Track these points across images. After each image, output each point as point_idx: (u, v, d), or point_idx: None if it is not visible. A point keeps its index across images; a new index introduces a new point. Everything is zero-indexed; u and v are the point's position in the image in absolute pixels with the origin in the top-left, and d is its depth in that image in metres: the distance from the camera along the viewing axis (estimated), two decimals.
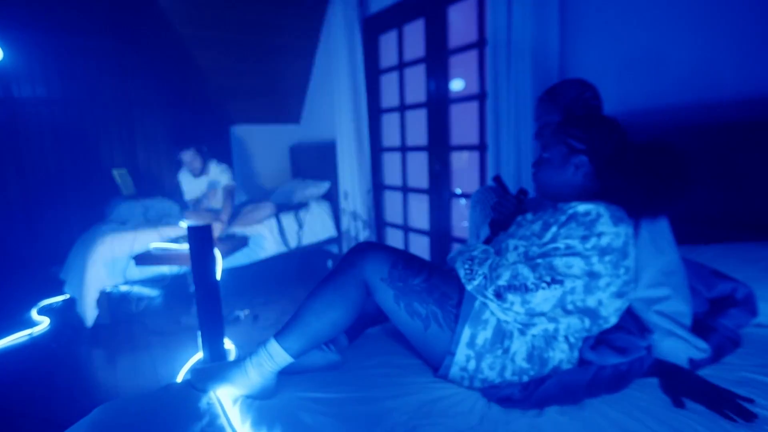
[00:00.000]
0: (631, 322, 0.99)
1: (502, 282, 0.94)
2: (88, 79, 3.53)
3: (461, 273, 1.00)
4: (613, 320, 0.97)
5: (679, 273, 1.01)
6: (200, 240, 2.12)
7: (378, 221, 3.29)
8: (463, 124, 2.61)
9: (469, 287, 0.98)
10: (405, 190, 3.09)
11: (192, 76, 3.60)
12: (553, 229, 0.99)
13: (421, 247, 3.02)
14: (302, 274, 3.67)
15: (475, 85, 2.43)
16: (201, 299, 2.13)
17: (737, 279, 1.10)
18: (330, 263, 3.69)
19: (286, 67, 3.76)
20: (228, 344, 2.37)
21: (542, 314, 0.94)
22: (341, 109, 3.10)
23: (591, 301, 0.94)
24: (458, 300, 0.98)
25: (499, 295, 0.94)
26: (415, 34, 2.79)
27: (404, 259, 1.03)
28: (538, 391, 0.90)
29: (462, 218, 2.92)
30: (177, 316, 2.73)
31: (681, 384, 0.90)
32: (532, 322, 0.94)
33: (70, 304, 2.83)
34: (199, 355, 2.19)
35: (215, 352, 2.16)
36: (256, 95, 3.89)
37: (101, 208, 3.27)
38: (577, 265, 0.92)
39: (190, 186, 3.17)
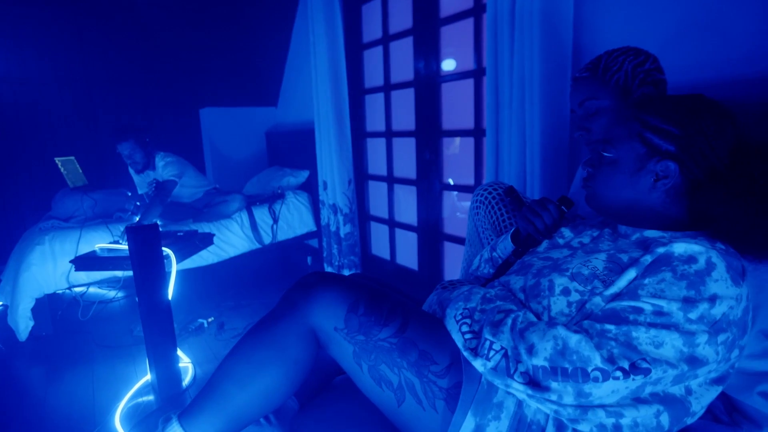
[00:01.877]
0: (717, 403, 0.67)
1: (538, 361, 0.60)
2: (39, 55, 3.11)
3: (459, 341, 0.67)
4: (700, 413, 0.65)
5: None
6: (144, 243, 1.78)
7: (361, 215, 2.96)
8: (456, 106, 2.27)
9: (482, 370, 0.64)
10: (391, 180, 2.75)
11: (156, 54, 3.21)
12: (631, 273, 0.66)
13: (408, 245, 2.70)
14: (278, 273, 3.35)
15: (470, 60, 2.09)
16: (146, 313, 1.80)
17: None
18: (310, 260, 3.37)
19: (260, 43, 3.38)
20: (184, 361, 2.05)
21: (601, 406, 0.61)
22: (319, 90, 2.74)
23: (677, 389, 0.62)
24: (447, 366, 0.66)
25: (535, 384, 0.60)
26: (401, 2, 2.43)
27: (367, 299, 0.71)
28: None
29: (455, 211, 2.61)
30: (130, 326, 2.40)
31: None
32: (584, 417, 0.61)
33: (3, 315, 2.49)
34: (147, 378, 1.88)
35: (166, 374, 1.84)
36: (228, 75, 3.52)
37: (49, 203, 2.90)
38: (672, 344, 0.58)
39: (138, 180, 2.81)
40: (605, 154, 0.75)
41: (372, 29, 2.70)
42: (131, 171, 2.72)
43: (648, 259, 0.65)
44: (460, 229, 2.43)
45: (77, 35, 3.22)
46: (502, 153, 1.77)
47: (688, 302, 0.59)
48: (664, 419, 0.62)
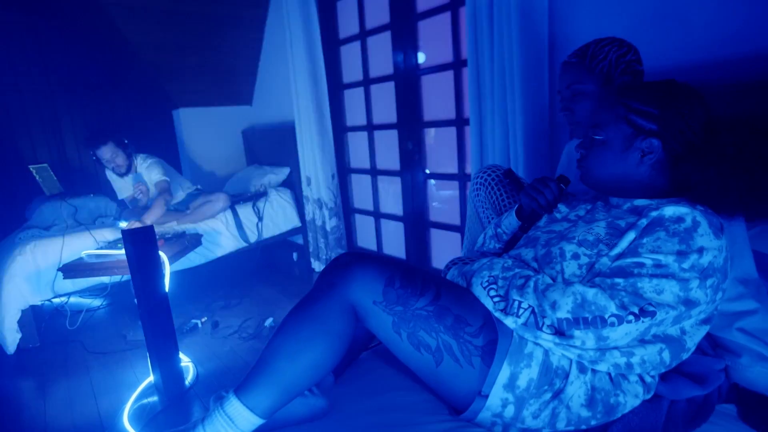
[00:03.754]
0: (704, 341, 0.79)
1: (562, 314, 0.70)
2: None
3: (488, 304, 0.76)
4: (693, 349, 0.76)
5: (754, 279, 0.81)
6: (141, 245, 1.77)
7: (345, 208, 3.02)
8: (436, 97, 2.36)
9: (513, 326, 0.74)
10: (374, 172, 2.82)
11: (124, 55, 3.13)
12: (630, 235, 0.76)
13: (395, 235, 2.78)
14: (265, 270, 3.36)
15: (449, 53, 2.17)
16: (146, 315, 1.80)
17: None
18: (295, 256, 3.39)
19: (232, 41, 3.35)
20: (184, 361, 2.06)
21: (616, 348, 0.71)
22: (298, 87, 2.77)
23: (673, 330, 0.73)
24: (480, 327, 0.74)
25: (560, 333, 0.70)
26: None
27: (402, 273, 0.78)
28: None
29: (439, 200, 2.70)
30: (122, 331, 2.37)
31: None
32: (602, 358, 0.71)
33: None
34: (150, 379, 1.88)
35: (169, 374, 1.85)
36: (200, 74, 3.46)
37: (21, 212, 2.80)
38: (671, 290, 0.69)
39: (121, 183, 2.76)
40: (596, 137, 0.85)
41: (348, 25, 2.75)
42: (110, 176, 2.66)
43: (644, 222, 0.76)
44: (443, 216, 2.53)
45: (38, 36, 3.10)
46: (486, 140, 1.87)
47: (681, 254, 0.70)
48: (666, 355, 0.72)
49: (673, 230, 0.72)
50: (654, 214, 0.75)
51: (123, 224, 2.54)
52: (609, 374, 0.73)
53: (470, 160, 1.97)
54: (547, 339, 0.71)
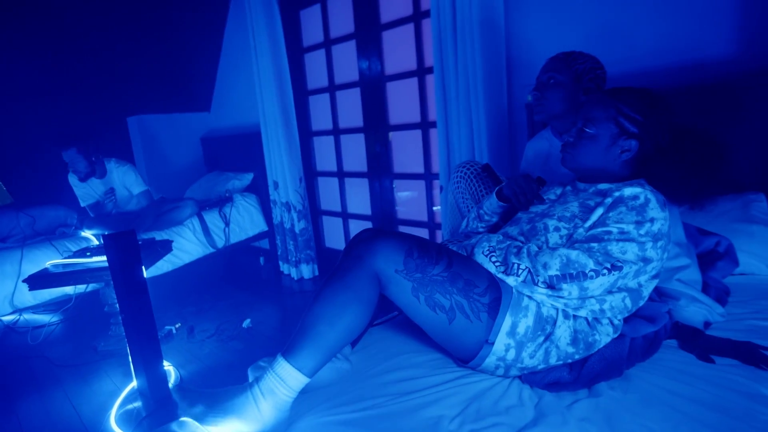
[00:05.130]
0: (653, 292, 0.99)
1: (552, 272, 0.87)
2: None
3: (491, 268, 0.92)
4: (647, 297, 0.96)
5: (685, 242, 1.03)
6: (123, 250, 1.77)
7: (313, 210, 3.10)
8: (401, 103, 2.52)
9: (514, 284, 0.90)
10: (341, 174, 2.93)
11: (73, 58, 3.02)
12: (599, 211, 0.94)
13: None
14: (233, 274, 3.35)
15: (413, 61, 2.34)
16: (129, 319, 1.79)
17: (717, 233, 1.17)
18: (262, 260, 3.42)
19: (190, 48, 3.33)
20: (165, 365, 2.05)
21: (592, 297, 0.90)
22: (264, 93, 2.82)
23: (632, 283, 0.92)
24: (485, 287, 0.89)
25: (551, 286, 0.87)
26: (341, 9, 2.62)
27: (418, 245, 0.91)
28: (584, 370, 0.86)
29: (406, 199, 2.85)
30: (91, 343, 2.30)
31: (702, 343, 0.92)
32: (582, 305, 0.90)
33: None
34: (133, 384, 1.86)
35: (155, 378, 1.85)
36: (156, 81, 3.41)
37: None
38: (632, 250, 0.88)
39: (85, 190, 2.68)
40: (587, 130, 1.02)
41: (313, 33, 2.85)
42: (73, 182, 2.58)
43: (609, 201, 0.95)
44: (410, 213, 2.69)
45: None
46: (453, 141, 2.05)
47: (638, 223, 0.90)
48: (628, 302, 0.92)
49: (631, 205, 0.92)
50: (617, 194, 0.95)
51: (86, 233, 2.47)
52: (587, 319, 0.91)
53: (438, 160, 2.14)
54: (541, 293, 0.88)
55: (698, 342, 0.94)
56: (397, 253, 0.88)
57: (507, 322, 0.87)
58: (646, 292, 0.94)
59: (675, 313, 1.00)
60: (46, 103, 3.20)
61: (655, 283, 0.95)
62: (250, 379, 0.88)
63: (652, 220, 0.90)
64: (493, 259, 0.93)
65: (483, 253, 0.95)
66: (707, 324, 1.00)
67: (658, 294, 1.01)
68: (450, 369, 0.94)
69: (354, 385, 0.90)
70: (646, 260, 0.89)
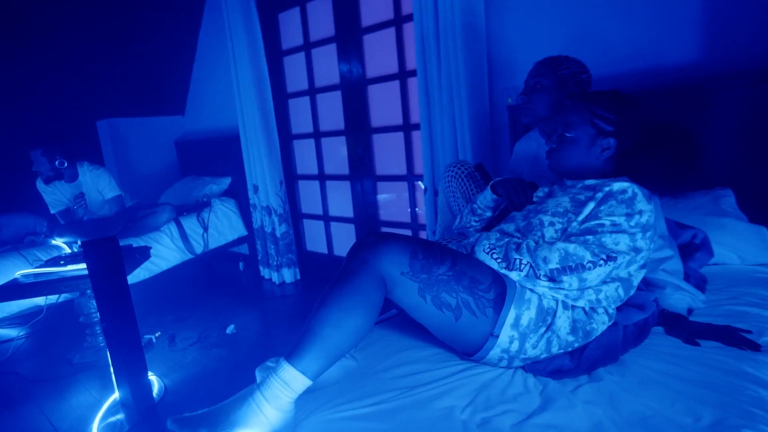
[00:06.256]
0: (641, 282, 1.05)
1: (553, 265, 0.91)
2: None
3: (493, 265, 0.96)
4: (636, 286, 1.01)
5: (667, 235, 1.10)
6: (104, 257, 1.71)
7: (294, 214, 3.08)
8: (383, 105, 2.54)
9: (517, 279, 0.93)
10: (322, 177, 2.93)
11: (40, 60, 2.90)
12: (590, 205, 0.99)
13: (346, 236, 2.91)
14: (213, 281, 3.28)
15: (394, 65, 2.37)
16: (111, 329, 1.74)
17: (693, 226, 1.25)
18: (242, 265, 3.36)
19: (163, 51, 3.26)
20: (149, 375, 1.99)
21: (590, 287, 0.94)
22: (243, 96, 2.79)
23: (624, 273, 0.97)
24: (489, 284, 0.92)
25: (552, 279, 0.91)
26: (321, 12, 2.62)
27: (422, 246, 0.93)
28: (583, 357, 0.90)
29: (389, 200, 2.87)
30: (65, 355, 2.21)
31: (687, 328, 0.99)
32: (581, 296, 0.94)
33: None
34: (115, 396, 1.80)
35: (138, 389, 1.79)
36: (127, 84, 3.31)
37: None
38: (624, 241, 0.93)
39: (54, 196, 2.58)
40: (567, 134, 1.08)
41: (292, 37, 2.84)
42: (42, 188, 2.47)
43: (599, 195, 1.00)
44: (393, 215, 2.71)
45: None
46: (436, 143, 2.08)
47: (628, 216, 0.95)
48: (621, 291, 0.98)
49: (620, 199, 0.97)
50: (606, 189, 1.00)
51: (57, 241, 2.38)
52: (584, 309, 0.95)
53: (422, 161, 2.18)
54: (543, 286, 0.92)
55: (684, 327, 1.00)
56: (402, 256, 0.90)
57: (511, 315, 0.90)
58: (636, 281, 1.00)
59: (661, 301, 1.07)
60: (11, 106, 3.05)
61: (643, 273, 1.01)
62: (258, 380, 0.87)
63: (640, 212, 0.95)
64: (495, 256, 0.96)
65: (484, 250, 0.98)
66: (690, 310, 1.06)
67: (646, 284, 1.08)
68: (454, 362, 0.96)
69: (362, 382, 0.91)
70: (636, 250, 0.94)
